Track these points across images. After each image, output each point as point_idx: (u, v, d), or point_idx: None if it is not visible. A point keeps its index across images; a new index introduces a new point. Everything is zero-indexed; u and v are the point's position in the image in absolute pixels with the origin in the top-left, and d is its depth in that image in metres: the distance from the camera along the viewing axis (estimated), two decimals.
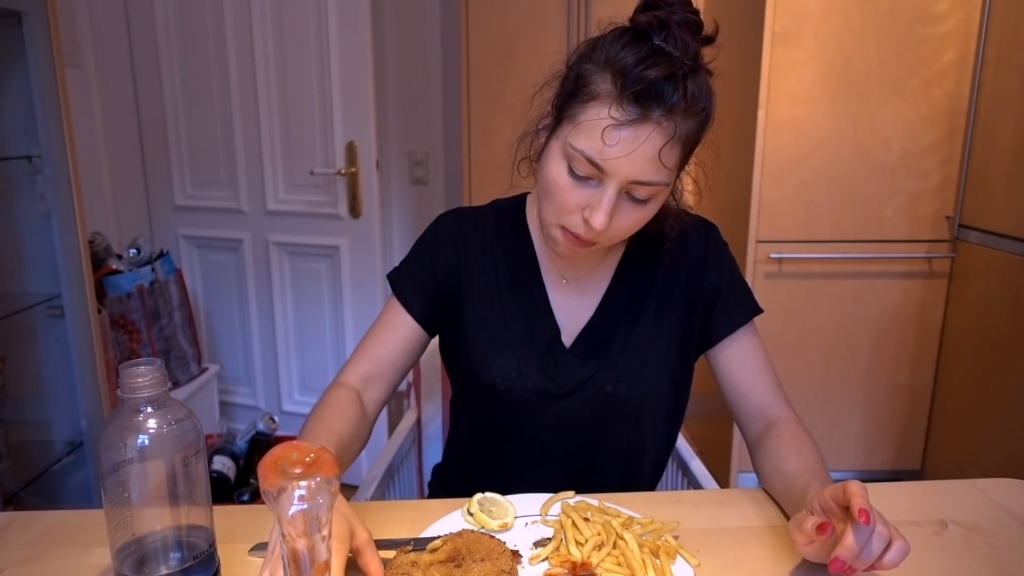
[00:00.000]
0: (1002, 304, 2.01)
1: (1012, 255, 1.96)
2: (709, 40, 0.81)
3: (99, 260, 2.09)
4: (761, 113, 2.15)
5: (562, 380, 0.96)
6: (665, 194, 0.85)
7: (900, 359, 2.33)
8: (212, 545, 0.69)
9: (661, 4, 0.79)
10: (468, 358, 0.98)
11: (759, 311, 0.99)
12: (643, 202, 0.83)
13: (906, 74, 2.13)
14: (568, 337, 0.97)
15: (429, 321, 1.01)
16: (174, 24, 2.37)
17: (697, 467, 1.13)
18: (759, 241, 2.23)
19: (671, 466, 1.21)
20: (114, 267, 2.10)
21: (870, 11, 2.09)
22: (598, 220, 0.80)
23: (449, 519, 0.82)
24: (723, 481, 2.36)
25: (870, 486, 0.91)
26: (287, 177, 2.36)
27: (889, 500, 0.87)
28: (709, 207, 2.67)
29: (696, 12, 0.80)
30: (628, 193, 0.81)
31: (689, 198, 1.00)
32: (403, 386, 1.24)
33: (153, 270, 2.19)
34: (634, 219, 0.84)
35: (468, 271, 1.00)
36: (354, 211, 2.28)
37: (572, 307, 0.99)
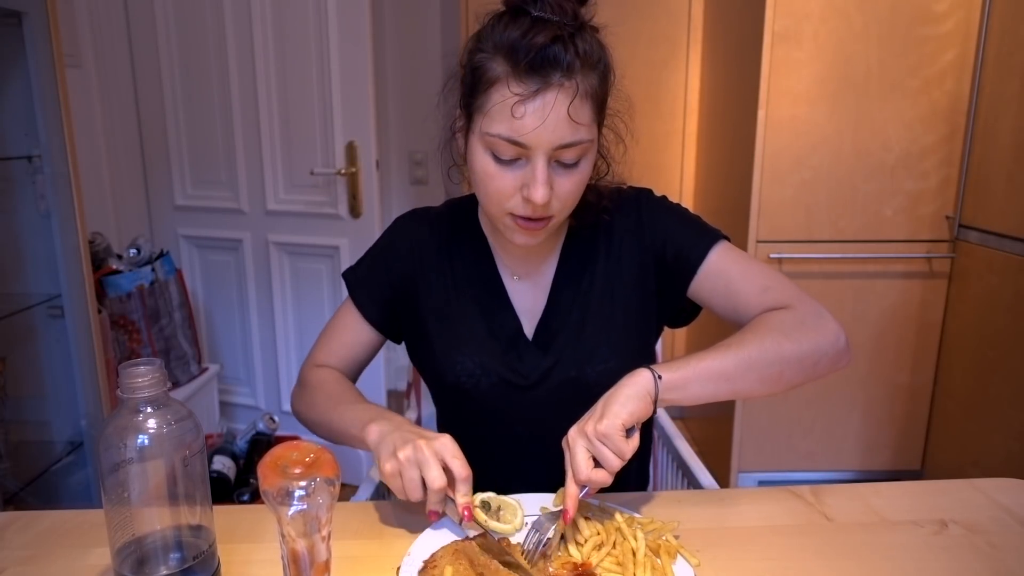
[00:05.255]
0: (1002, 304, 2.01)
1: (1012, 255, 1.96)
2: (582, 1, 0.84)
3: (99, 260, 2.09)
4: (761, 113, 2.15)
5: (525, 372, 0.97)
6: (593, 151, 0.86)
7: (900, 359, 2.33)
8: (212, 545, 0.69)
9: None
10: (432, 359, 1.01)
11: (717, 239, 0.95)
12: (574, 165, 0.84)
13: (906, 74, 2.13)
14: (529, 329, 0.99)
15: (385, 325, 1.06)
16: (174, 24, 2.37)
17: (697, 467, 1.13)
18: (759, 241, 2.23)
19: (671, 466, 1.21)
20: (114, 267, 2.10)
21: (870, 11, 2.09)
22: (538, 194, 0.81)
23: (449, 519, 0.82)
24: (723, 481, 2.36)
25: (870, 486, 0.91)
26: (287, 177, 2.36)
27: (889, 500, 0.87)
28: (709, 207, 2.68)
29: None
30: (557, 161, 0.83)
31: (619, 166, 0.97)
32: (403, 386, 1.24)
33: (153, 270, 2.19)
34: (573, 183, 0.85)
35: (424, 273, 1.02)
36: (354, 211, 2.28)
37: (528, 299, 1.00)
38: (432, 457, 0.78)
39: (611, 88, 0.87)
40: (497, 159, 0.83)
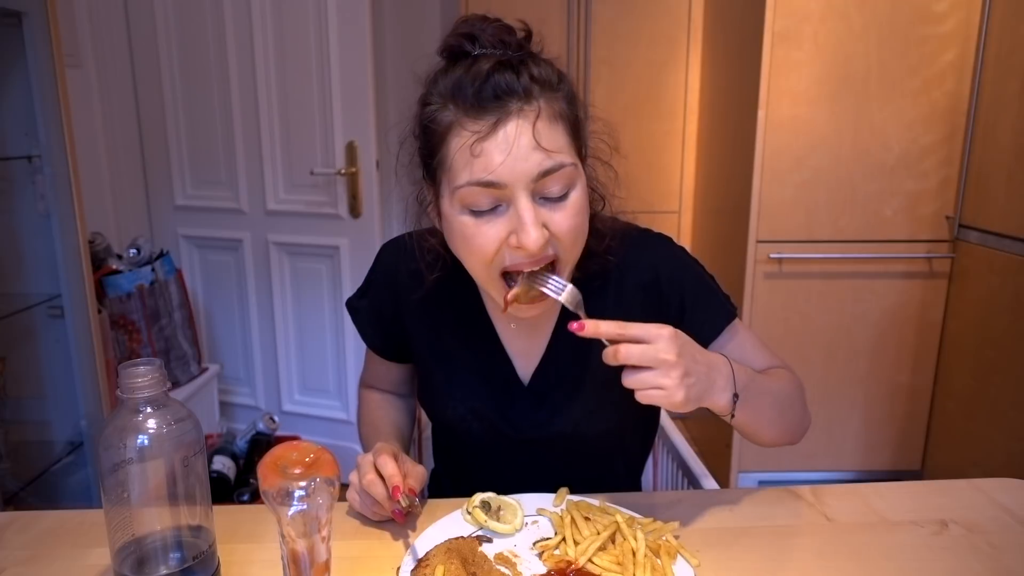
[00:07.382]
0: (1002, 304, 2.00)
1: (1012, 255, 1.96)
2: (527, 38, 0.78)
3: (99, 260, 2.08)
4: (761, 113, 2.15)
5: (518, 422, 0.92)
6: (582, 180, 0.77)
7: (900, 359, 2.33)
8: (212, 545, 0.69)
9: (463, 27, 0.76)
10: (426, 397, 1.00)
11: (732, 316, 0.93)
12: (563, 197, 0.75)
13: (906, 74, 2.13)
14: (525, 373, 0.93)
15: (391, 352, 1.04)
16: (174, 24, 2.37)
17: (697, 467, 1.13)
18: (759, 241, 2.23)
19: (671, 466, 1.21)
20: (114, 267, 2.10)
21: (870, 11, 2.09)
22: (531, 238, 0.71)
23: (449, 519, 0.83)
24: (723, 481, 2.36)
25: (870, 486, 0.91)
26: (287, 177, 2.36)
27: (889, 500, 0.87)
28: (709, 207, 2.68)
29: (499, 20, 0.77)
30: (542, 196, 0.74)
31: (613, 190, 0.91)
32: None
33: (153, 270, 2.18)
34: (569, 217, 0.75)
35: (411, 311, 0.96)
36: (354, 211, 2.28)
37: (524, 345, 0.93)
38: (365, 464, 0.81)
39: (584, 114, 0.80)
40: (475, 213, 0.74)
